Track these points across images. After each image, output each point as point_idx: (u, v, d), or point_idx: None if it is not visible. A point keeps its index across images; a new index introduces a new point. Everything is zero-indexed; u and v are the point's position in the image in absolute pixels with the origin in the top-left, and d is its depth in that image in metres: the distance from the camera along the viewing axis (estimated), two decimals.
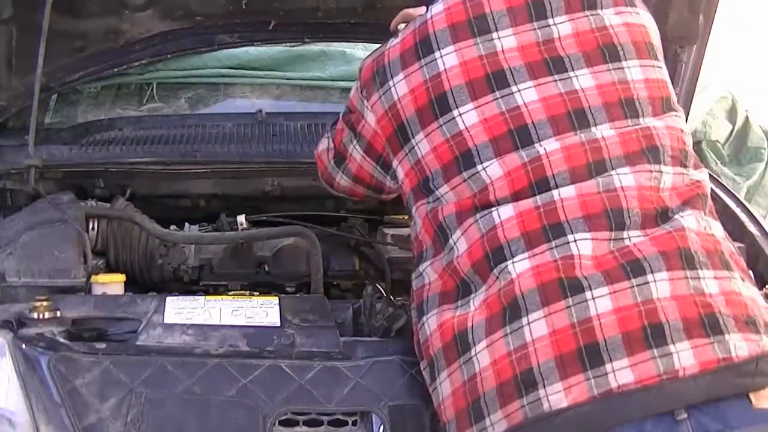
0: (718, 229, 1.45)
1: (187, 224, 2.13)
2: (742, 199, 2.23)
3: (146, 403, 1.48)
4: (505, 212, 1.39)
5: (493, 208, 1.40)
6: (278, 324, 1.65)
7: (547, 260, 1.34)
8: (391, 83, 1.52)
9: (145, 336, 1.59)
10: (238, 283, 2.04)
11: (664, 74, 1.55)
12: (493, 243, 1.38)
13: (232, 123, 2.34)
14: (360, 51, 2.66)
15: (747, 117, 4.59)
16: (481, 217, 1.41)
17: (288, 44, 2.61)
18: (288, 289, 2.03)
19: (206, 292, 2.01)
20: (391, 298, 1.77)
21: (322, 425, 1.53)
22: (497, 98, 1.44)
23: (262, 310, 1.68)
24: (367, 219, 2.26)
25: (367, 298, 1.75)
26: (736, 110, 4.57)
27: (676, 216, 1.39)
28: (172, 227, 2.09)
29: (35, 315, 1.59)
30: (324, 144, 1.82)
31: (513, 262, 1.36)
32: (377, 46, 1.61)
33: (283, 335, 1.61)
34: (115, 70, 2.33)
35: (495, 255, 1.38)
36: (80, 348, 1.54)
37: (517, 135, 1.42)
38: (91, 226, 2.00)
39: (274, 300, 1.73)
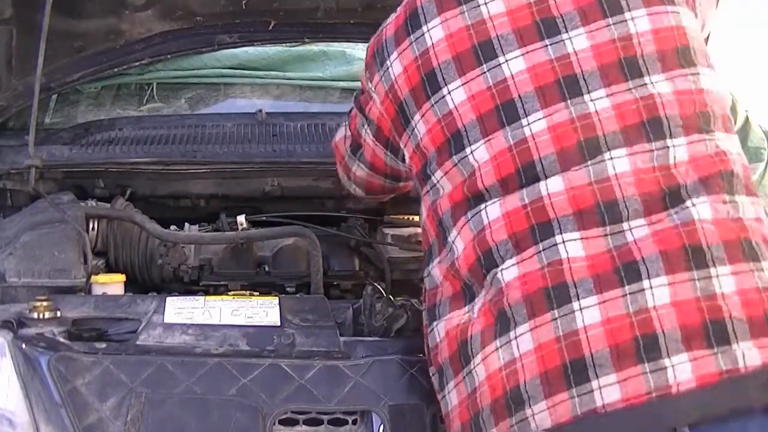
0: (748, 210, 1.28)
1: (187, 224, 2.13)
2: None
3: (146, 402, 1.48)
4: (492, 212, 1.33)
5: (482, 205, 1.34)
6: (278, 324, 1.65)
7: (535, 267, 1.27)
8: (388, 62, 1.46)
9: (145, 336, 1.59)
10: (238, 283, 2.03)
11: (682, 20, 1.36)
12: (483, 246, 1.33)
13: (232, 123, 2.34)
14: (360, 51, 2.66)
15: (747, 117, 4.58)
16: (471, 217, 1.35)
17: (288, 44, 2.61)
18: (288, 289, 2.03)
19: (206, 292, 2.00)
20: (391, 298, 1.76)
21: (322, 424, 1.53)
22: (484, 72, 1.36)
23: (262, 310, 1.68)
24: (367, 219, 2.25)
25: (367, 298, 1.74)
26: (736, 110, 4.56)
27: (687, 203, 1.26)
28: (172, 227, 2.09)
29: (35, 315, 1.59)
30: (341, 132, 1.79)
31: (502, 270, 1.30)
32: None
33: (283, 335, 1.61)
34: (115, 70, 2.33)
35: (486, 259, 1.32)
36: (80, 348, 1.54)
37: (503, 111, 1.34)
38: (91, 226, 2.00)
39: (274, 300, 1.73)
